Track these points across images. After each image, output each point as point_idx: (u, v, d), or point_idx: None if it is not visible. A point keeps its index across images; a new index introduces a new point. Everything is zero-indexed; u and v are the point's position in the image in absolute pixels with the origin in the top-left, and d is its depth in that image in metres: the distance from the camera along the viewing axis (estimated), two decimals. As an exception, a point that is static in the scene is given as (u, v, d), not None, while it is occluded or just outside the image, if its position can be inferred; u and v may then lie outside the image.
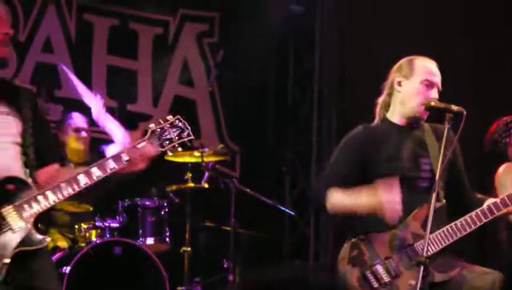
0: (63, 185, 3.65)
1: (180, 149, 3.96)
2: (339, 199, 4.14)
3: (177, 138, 3.89)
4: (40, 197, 3.62)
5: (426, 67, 4.30)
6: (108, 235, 5.70)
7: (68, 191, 3.65)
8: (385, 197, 4.03)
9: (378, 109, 4.42)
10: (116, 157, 3.73)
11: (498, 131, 5.10)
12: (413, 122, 4.32)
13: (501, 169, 4.87)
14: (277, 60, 8.11)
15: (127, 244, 5.52)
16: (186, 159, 6.14)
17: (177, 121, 3.92)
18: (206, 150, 6.10)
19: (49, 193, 3.64)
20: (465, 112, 4.01)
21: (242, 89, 7.60)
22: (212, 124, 7.67)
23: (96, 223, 5.69)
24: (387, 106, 4.39)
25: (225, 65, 7.48)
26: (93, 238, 5.63)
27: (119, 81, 7.24)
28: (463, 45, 6.67)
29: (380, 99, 4.42)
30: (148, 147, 3.80)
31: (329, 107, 8.01)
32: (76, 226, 5.70)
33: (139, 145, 3.79)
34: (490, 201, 4.16)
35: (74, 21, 7.22)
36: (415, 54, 4.41)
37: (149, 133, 3.83)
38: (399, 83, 4.31)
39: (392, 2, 7.18)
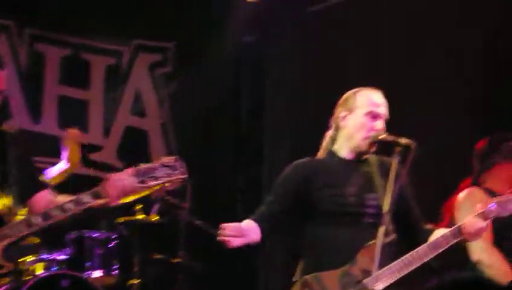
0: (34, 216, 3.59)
1: (167, 185, 3.85)
2: None
3: (164, 176, 3.79)
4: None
5: (370, 99, 4.28)
6: (55, 268, 5.61)
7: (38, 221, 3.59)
8: None
9: (324, 143, 4.42)
10: (94, 193, 3.64)
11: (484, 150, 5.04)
12: (359, 156, 4.32)
13: (462, 194, 4.79)
14: (230, 90, 8.12)
15: (75, 277, 5.43)
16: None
17: (172, 161, 3.83)
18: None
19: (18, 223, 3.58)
20: (413, 145, 4.02)
21: (195, 119, 7.58)
22: (163, 155, 7.60)
23: (43, 256, 5.60)
24: (334, 140, 4.39)
25: (178, 95, 7.46)
26: (40, 271, 5.53)
27: (70, 112, 7.18)
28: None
29: (328, 134, 4.42)
30: (126, 181, 3.70)
31: (281, 136, 8.02)
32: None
33: (116, 178, 3.70)
34: (441, 232, 4.16)
35: (25, 50, 7.16)
36: (368, 85, 4.42)
37: (133, 168, 3.72)
38: (344, 118, 4.31)
39: (346, 33, 7.23)
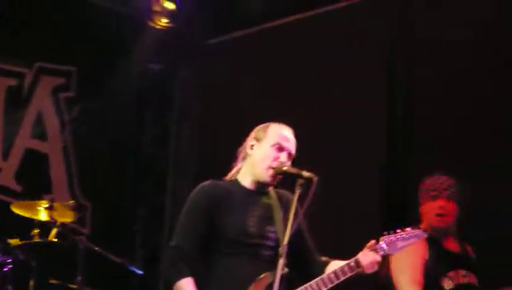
0: None
1: None
2: None
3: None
4: None
5: (279, 133, 4.37)
6: None
7: None
8: None
9: (230, 173, 4.46)
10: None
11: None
12: (262, 187, 4.37)
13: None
14: (134, 117, 8.08)
15: (-33, 301, 5.29)
16: (34, 215, 5.98)
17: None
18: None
19: None
20: (315, 179, 4.10)
21: (97, 145, 7.52)
22: (64, 179, 7.52)
23: None
24: (239, 169, 4.44)
25: (81, 120, 7.39)
26: None
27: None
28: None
29: (235, 165, 4.47)
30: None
31: (185, 165, 8.03)
32: None
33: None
34: (338, 264, 4.23)
35: None
36: (279, 118, 4.50)
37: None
38: (251, 147, 4.37)
39: (255, 64, 7.32)
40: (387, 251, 4.24)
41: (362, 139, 6.53)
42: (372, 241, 4.22)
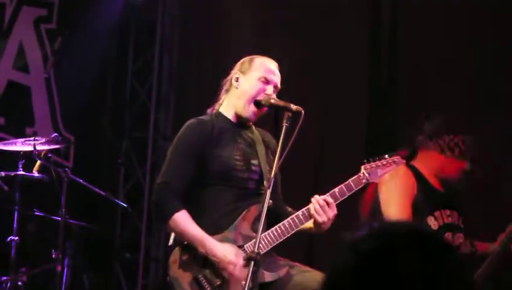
0: None
1: None
2: (185, 228, 4.13)
3: None
4: None
5: (265, 66, 4.37)
6: None
7: None
8: (231, 265, 4.07)
9: (216, 105, 4.46)
10: None
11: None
12: (245, 119, 4.37)
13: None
14: (116, 50, 8.02)
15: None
16: (18, 147, 5.96)
17: None
18: (39, 138, 5.95)
19: None
20: (303, 112, 4.11)
21: (80, 78, 7.46)
22: (46, 112, 7.47)
23: None
24: (222, 102, 4.43)
25: (63, 53, 7.32)
26: None
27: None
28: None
29: (218, 98, 4.47)
30: None
31: (167, 99, 8.00)
32: None
33: None
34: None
35: None
36: (261, 48, 4.50)
37: None
38: (237, 79, 4.37)
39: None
40: (368, 179, 4.28)
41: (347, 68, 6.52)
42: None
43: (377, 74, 6.49)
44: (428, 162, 4.87)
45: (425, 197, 4.84)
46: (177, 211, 4.13)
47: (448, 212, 4.90)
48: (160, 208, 4.22)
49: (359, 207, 4.90)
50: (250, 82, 4.33)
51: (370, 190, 4.80)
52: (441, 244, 1.60)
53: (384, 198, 4.77)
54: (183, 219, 4.12)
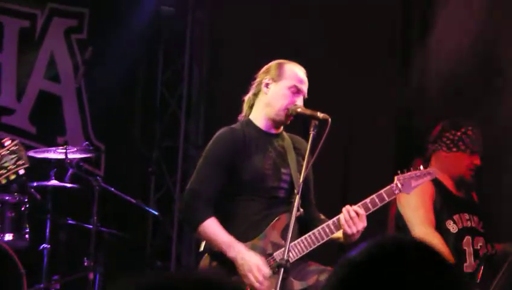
0: None
1: (12, 177, 3.80)
2: (215, 235, 4.14)
3: (14, 166, 3.73)
4: None
5: (295, 74, 4.35)
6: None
7: None
8: (255, 277, 4.06)
9: (244, 107, 4.46)
10: None
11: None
12: (275, 127, 4.38)
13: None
14: (146, 60, 8.07)
15: (-15, 240, 5.37)
16: (50, 155, 6.04)
17: (14, 147, 3.77)
18: (71, 147, 6.02)
19: None
20: (330, 119, 4.12)
21: (110, 87, 7.52)
22: (77, 121, 7.54)
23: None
24: (251, 105, 4.43)
25: (93, 62, 7.39)
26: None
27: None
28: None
29: (246, 97, 4.47)
30: None
31: (197, 108, 8.04)
32: None
33: None
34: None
35: None
36: (287, 58, 4.49)
37: None
38: (267, 85, 4.35)
39: (261, 7, 7.27)
40: (401, 190, 4.27)
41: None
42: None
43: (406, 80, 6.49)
44: (440, 165, 4.88)
45: (444, 201, 4.85)
46: (207, 218, 4.14)
47: (467, 216, 4.91)
48: (189, 216, 4.24)
49: (387, 221, 4.90)
50: (280, 91, 4.31)
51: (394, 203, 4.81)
52: (429, 256, 1.63)
53: (407, 206, 4.78)
54: (212, 226, 4.13)
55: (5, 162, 3.75)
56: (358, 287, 1.58)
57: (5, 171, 3.76)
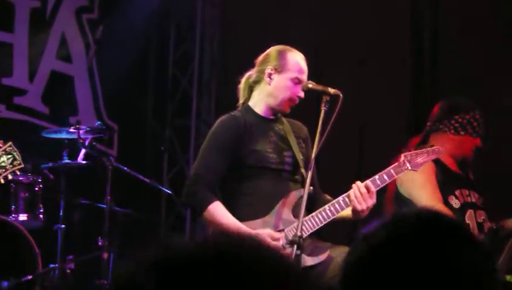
0: None
1: (10, 177, 3.82)
2: (220, 219, 4.15)
3: (11, 165, 3.76)
4: None
5: (298, 64, 4.34)
6: (-21, 211, 5.56)
7: None
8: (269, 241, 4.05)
9: (242, 92, 4.46)
10: None
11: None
12: (275, 114, 4.40)
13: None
14: (157, 39, 8.06)
15: (-1, 220, 5.40)
16: (62, 135, 6.05)
17: (9, 148, 3.79)
18: (83, 126, 6.02)
19: None
20: (341, 95, 4.12)
21: (121, 67, 7.51)
22: (89, 101, 7.55)
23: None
24: (250, 91, 4.43)
25: (104, 42, 7.39)
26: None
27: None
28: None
29: (243, 81, 4.46)
30: None
31: (208, 86, 8.04)
32: None
33: None
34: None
35: None
36: (289, 39, 4.49)
37: None
38: (269, 75, 4.35)
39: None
40: (409, 167, 4.28)
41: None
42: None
43: (419, 60, 6.46)
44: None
45: (445, 178, 4.86)
46: (211, 202, 4.16)
47: (467, 192, 4.92)
48: (195, 200, 4.26)
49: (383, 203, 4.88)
50: (283, 82, 4.31)
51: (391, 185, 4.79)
52: (457, 231, 1.57)
53: (413, 183, 4.76)
54: (218, 210, 4.15)
55: (2, 162, 3.79)
56: (379, 266, 1.54)
57: (3, 170, 3.80)
